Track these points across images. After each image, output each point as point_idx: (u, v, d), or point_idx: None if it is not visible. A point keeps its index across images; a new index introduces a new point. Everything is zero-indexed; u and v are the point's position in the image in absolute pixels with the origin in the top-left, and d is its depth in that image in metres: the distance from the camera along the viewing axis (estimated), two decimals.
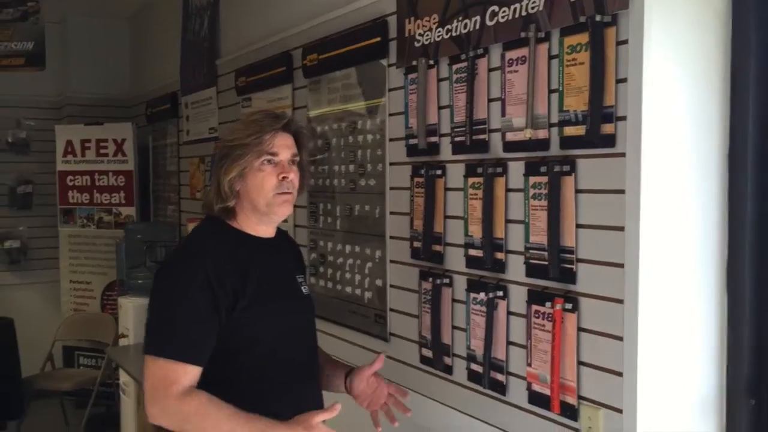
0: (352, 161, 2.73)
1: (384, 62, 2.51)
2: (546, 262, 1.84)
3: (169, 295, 1.75)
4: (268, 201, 1.81)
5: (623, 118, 1.64)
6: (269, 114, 1.88)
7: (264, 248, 1.87)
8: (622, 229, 1.65)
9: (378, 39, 2.51)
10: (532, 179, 1.89)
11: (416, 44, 2.31)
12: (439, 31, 2.21)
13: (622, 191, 1.65)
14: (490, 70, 2.03)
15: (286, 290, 1.91)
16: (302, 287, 1.96)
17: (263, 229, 1.89)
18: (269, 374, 1.80)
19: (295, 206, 3.14)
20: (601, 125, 1.68)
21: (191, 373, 1.70)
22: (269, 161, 1.79)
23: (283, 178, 1.80)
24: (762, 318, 1.68)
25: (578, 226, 1.76)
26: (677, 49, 1.62)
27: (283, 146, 1.82)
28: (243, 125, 1.84)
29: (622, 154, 1.65)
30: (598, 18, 1.65)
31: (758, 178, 1.67)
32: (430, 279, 2.26)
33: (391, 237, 2.51)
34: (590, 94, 1.68)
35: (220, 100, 4.00)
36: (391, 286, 2.52)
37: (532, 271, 1.90)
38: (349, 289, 2.78)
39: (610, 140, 1.67)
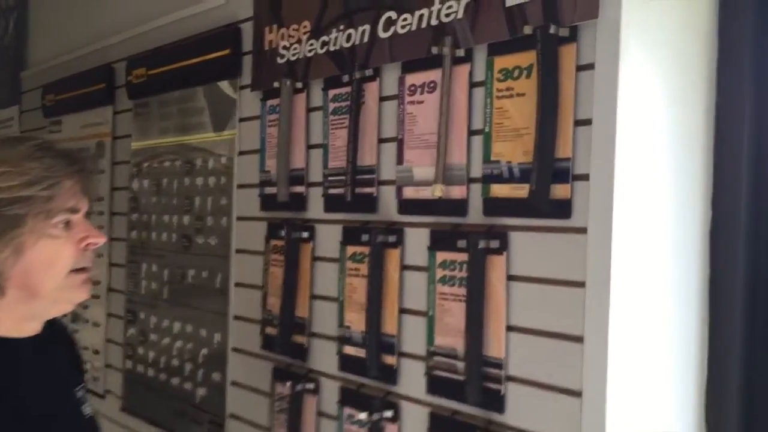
0: (187, 211, 2.06)
1: (235, 83, 1.89)
2: (460, 377, 1.28)
3: None
4: (58, 284, 1.10)
5: (584, 177, 1.13)
6: (49, 147, 1.18)
7: (22, 357, 1.16)
8: (579, 339, 1.12)
9: (227, 51, 1.89)
10: (441, 255, 1.33)
11: (279, 60, 1.71)
12: (311, 44, 1.63)
13: (580, 284, 1.12)
14: (382, 98, 1.47)
15: (56, 420, 1.19)
16: (83, 407, 1.26)
17: (30, 325, 1.18)
18: None
19: (111, 265, 2.48)
20: (552, 186, 1.15)
21: None
22: (67, 223, 1.12)
23: (87, 245, 1.13)
24: None
25: (510, 328, 1.22)
26: (664, 78, 1.14)
27: (84, 198, 1.15)
28: (12, 166, 1.12)
29: (582, 230, 1.13)
30: (552, 30, 1.14)
31: (748, 269, 1.21)
32: (288, 381, 1.63)
33: (236, 317, 1.87)
34: (537, 140, 1.15)
35: (23, 122, 3.22)
36: (233, 383, 1.87)
37: (436, 386, 1.34)
38: (176, 382, 2.08)
39: (563, 208, 1.15)
